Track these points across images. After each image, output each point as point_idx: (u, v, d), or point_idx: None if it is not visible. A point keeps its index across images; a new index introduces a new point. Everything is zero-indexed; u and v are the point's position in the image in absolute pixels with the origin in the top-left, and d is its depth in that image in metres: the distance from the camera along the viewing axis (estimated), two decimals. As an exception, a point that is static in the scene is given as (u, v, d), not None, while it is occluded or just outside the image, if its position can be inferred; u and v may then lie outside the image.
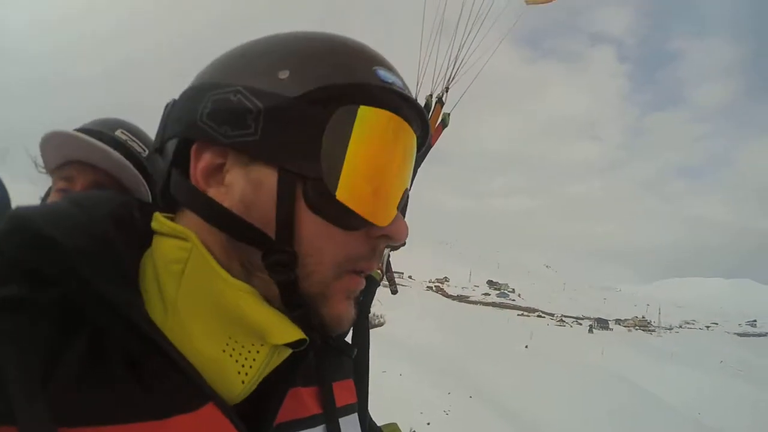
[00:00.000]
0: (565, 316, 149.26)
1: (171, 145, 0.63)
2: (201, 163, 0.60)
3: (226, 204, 0.60)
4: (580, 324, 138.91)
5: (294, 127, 0.58)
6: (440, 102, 1.65)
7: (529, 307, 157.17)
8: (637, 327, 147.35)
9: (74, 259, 0.53)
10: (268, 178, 0.58)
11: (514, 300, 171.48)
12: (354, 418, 0.79)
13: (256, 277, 0.60)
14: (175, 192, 0.64)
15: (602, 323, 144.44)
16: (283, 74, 0.59)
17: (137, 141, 1.39)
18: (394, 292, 1.36)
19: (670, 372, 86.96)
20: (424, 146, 0.72)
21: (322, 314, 0.62)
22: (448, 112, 1.62)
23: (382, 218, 0.62)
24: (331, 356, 0.77)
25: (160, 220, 0.64)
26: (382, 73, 0.63)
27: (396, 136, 0.63)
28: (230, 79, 0.61)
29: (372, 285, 1.10)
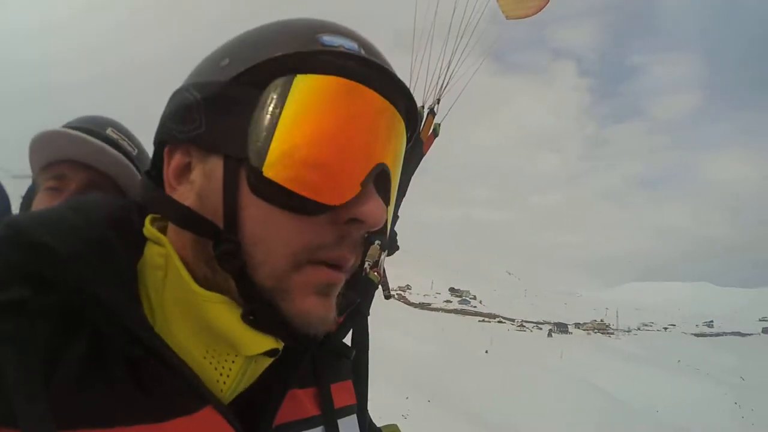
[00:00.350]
0: (526, 321, 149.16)
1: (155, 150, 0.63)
2: (172, 163, 0.60)
3: (189, 201, 0.59)
4: (540, 329, 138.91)
5: (229, 111, 0.56)
6: (432, 113, 1.60)
7: (490, 313, 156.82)
8: (596, 330, 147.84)
9: (68, 264, 0.52)
10: (217, 167, 0.57)
11: (475, 306, 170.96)
12: (353, 419, 0.77)
13: (218, 273, 0.58)
14: (143, 197, 0.63)
15: (562, 327, 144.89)
16: (224, 62, 0.59)
17: (127, 140, 1.37)
18: (387, 297, 1.33)
19: (628, 372, 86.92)
20: (416, 126, 0.66)
21: (284, 310, 0.57)
22: (439, 122, 1.71)
23: (332, 195, 0.56)
24: (329, 358, 0.76)
25: (146, 225, 0.63)
26: (328, 38, 0.59)
27: (348, 101, 0.57)
28: (188, 80, 0.62)
29: (370, 287, 1.10)
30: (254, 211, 0.55)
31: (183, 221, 0.59)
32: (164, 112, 0.62)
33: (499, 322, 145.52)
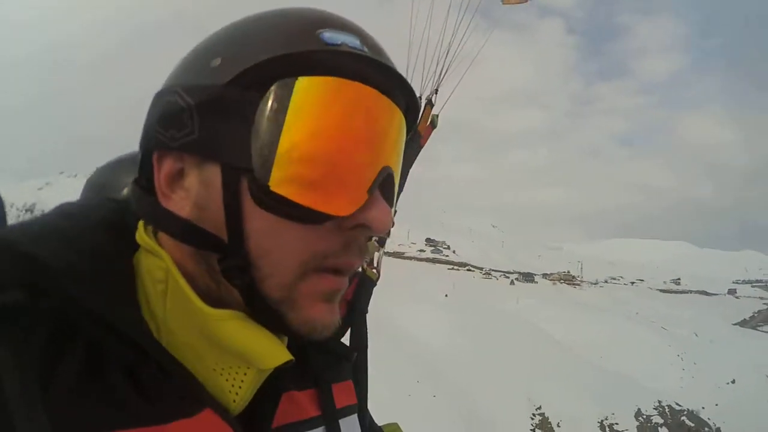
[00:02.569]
0: (493, 270, 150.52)
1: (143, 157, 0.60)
2: (163, 170, 0.57)
3: (186, 211, 0.56)
4: (507, 278, 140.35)
5: (227, 117, 0.53)
6: (430, 103, 1.61)
7: (461, 262, 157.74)
8: (562, 281, 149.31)
9: (60, 276, 0.51)
10: (215, 176, 0.54)
11: (447, 256, 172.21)
12: (354, 419, 0.77)
13: (223, 286, 0.57)
14: (138, 210, 0.60)
15: (527, 277, 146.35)
16: (215, 62, 0.55)
17: None
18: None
19: (581, 319, 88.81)
20: (415, 120, 0.65)
21: (290, 320, 0.57)
22: (437, 113, 1.62)
23: (339, 206, 0.54)
24: (330, 358, 0.75)
25: (140, 234, 0.60)
26: (329, 35, 0.55)
27: (353, 104, 0.55)
28: (172, 81, 0.58)
29: (368, 285, 1.09)
30: (259, 223, 0.53)
31: (184, 236, 0.56)
32: (149, 116, 0.58)
33: (468, 270, 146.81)
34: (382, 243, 1.31)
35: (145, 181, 0.61)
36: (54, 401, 0.46)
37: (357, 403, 0.79)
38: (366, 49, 0.57)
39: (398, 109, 0.59)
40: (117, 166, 1.27)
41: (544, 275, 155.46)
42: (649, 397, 62.22)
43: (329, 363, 0.74)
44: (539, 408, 57.75)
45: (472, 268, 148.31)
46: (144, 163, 0.60)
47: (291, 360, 0.57)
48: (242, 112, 0.53)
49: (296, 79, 0.53)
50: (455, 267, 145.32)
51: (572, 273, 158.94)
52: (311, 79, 0.53)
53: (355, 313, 0.87)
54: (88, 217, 0.60)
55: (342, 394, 0.75)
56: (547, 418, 56.75)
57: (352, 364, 0.81)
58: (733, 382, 78.22)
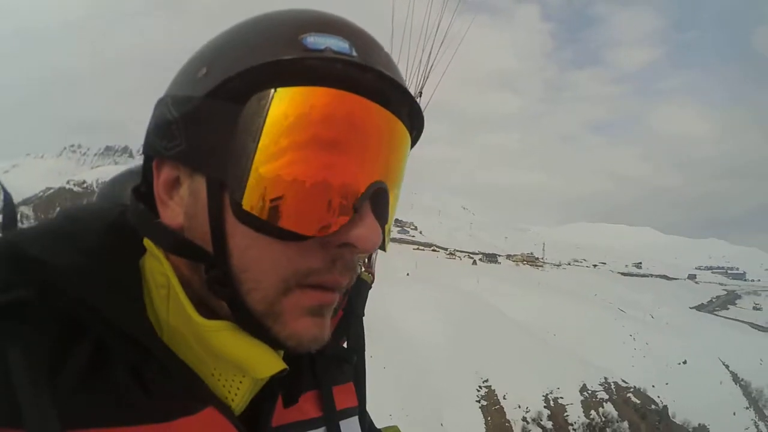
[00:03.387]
0: (458, 251, 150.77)
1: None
2: (161, 177, 0.57)
3: (179, 219, 0.56)
4: (471, 258, 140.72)
5: (209, 128, 0.52)
6: (420, 95, 1.63)
7: (427, 243, 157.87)
8: (525, 262, 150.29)
9: (65, 277, 0.52)
10: (202, 187, 0.53)
11: (413, 236, 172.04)
12: (354, 420, 0.78)
13: (213, 296, 0.56)
14: (134, 221, 0.60)
15: (491, 257, 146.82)
16: (201, 72, 0.54)
17: None
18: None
19: (538, 300, 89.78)
20: (421, 126, 0.62)
21: (276, 332, 0.55)
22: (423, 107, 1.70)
23: (310, 225, 0.51)
24: (330, 361, 0.76)
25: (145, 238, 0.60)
26: (312, 39, 0.52)
27: (336, 114, 0.51)
28: (167, 90, 0.58)
29: (363, 288, 1.08)
30: (240, 238, 0.52)
31: (175, 248, 0.56)
32: (149, 124, 0.58)
33: (433, 250, 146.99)
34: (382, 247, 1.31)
35: (145, 187, 0.61)
36: (61, 397, 0.47)
37: (357, 406, 0.81)
38: (355, 53, 0.52)
39: (394, 117, 0.55)
40: (127, 177, 1.29)
41: (508, 256, 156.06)
42: (597, 374, 62.48)
43: (330, 365, 0.76)
44: (486, 381, 58.14)
45: (437, 249, 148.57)
46: (145, 168, 0.61)
47: (285, 369, 0.57)
48: (222, 125, 0.51)
49: (274, 90, 0.50)
50: (420, 247, 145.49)
51: (533, 254, 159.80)
52: (289, 90, 0.50)
53: (351, 317, 0.87)
54: (96, 220, 0.61)
55: (342, 396, 0.77)
56: (494, 391, 57.27)
57: (353, 366, 0.83)
58: (685, 362, 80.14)
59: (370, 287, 1.14)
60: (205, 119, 0.52)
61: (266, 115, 0.49)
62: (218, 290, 0.54)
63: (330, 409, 0.73)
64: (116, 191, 1.24)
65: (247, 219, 0.51)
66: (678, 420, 60.67)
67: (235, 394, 0.58)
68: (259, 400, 0.61)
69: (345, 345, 0.85)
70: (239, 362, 0.56)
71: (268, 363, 0.56)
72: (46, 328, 0.50)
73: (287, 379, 0.60)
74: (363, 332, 0.88)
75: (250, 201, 0.50)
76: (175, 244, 0.56)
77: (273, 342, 0.56)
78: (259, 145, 0.49)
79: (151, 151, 0.57)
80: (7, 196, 0.64)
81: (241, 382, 0.58)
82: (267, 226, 0.50)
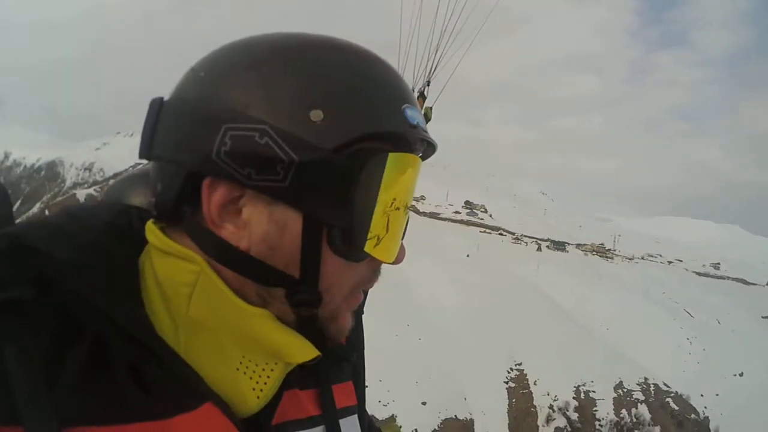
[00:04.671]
0: (525, 236, 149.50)
1: (171, 171, 0.60)
2: (215, 197, 0.58)
3: (244, 243, 0.59)
4: (538, 244, 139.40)
5: (326, 179, 0.57)
6: (422, 96, 1.64)
7: (494, 226, 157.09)
8: (594, 252, 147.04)
9: (64, 271, 0.53)
10: (293, 221, 0.58)
11: (482, 219, 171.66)
12: (354, 419, 0.80)
13: (273, 306, 0.61)
14: (187, 229, 0.62)
15: (558, 245, 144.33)
16: (316, 116, 0.57)
17: None
18: None
19: (598, 292, 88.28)
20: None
21: (329, 330, 0.65)
22: (431, 106, 1.65)
23: (394, 256, 0.66)
24: (330, 360, 0.77)
25: (160, 238, 0.62)
26: (410, 113, 0.62)
27: (415, 175, 0.65)
28: (251, 112, 0.57)
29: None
30: (332, 266, 0.60)
31: (236, 265, 0.59)
32: (213, 144, 0.56)
33: (500, 234, 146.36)
34: None
35: (175, 199, 0.60)
36: (59, 396, 0.48)
37: (357, 404, 0.83)
38: (422, 124, 0.65)
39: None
40: (129, 183, 1.30)
41: (578, 245, 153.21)
42: (637, 373, 60.91)
43: (330, 364, 0.77)
44: (519, 364, 58.85)
45: (505, 233, 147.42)
46: (185, 182, 0.59)
47: (319, 355, 0.63)
48: (343, 179, 0.57)
49: (388, 154, 0.60)
50: (487, 230, 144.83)
51: (604, 245, 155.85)
52: (398, 156, 0.61)
53: (354, 317, 0.89)
54: (93, 218, 0.62)
55: (342, 394, 0.79)
56: (525, 375, 57.97)
57: (352, 365, 0.85)
58: (741, 374, 76.52)
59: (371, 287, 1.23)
60: (325, 170, 0.57)
61: (383, 174, 0.59)
62: (305, 309, 0.62)
63: (330, 408, 0.75)
64: (118, 198, 1.27)
65: (345, 253, 0.60)
66: (720, 435, 59.20)
67: (264, 384, 0.61)
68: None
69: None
70: (278, 347, 0.61)
71: (304, 349, 0.62)
72: (44, 325, 0.50)
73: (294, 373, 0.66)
74: (362, 331, 0.91)
75: (369, 245, 0.60)
76: (250, 267, 0.59)
77: (318, 335, 0.64)
78: (378, 200, 0.59)
79: (211, 170, 0.57)
80: (3, 192, 0.67)
81: (272, 369, 0.62)
82: (362, 256, 0.61)
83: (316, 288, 0.61)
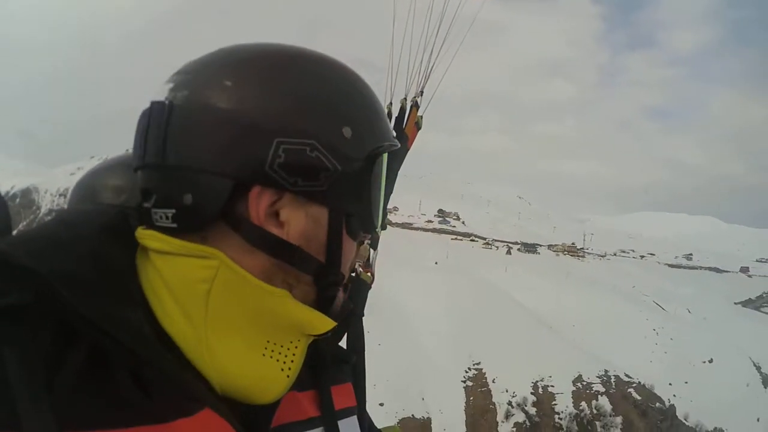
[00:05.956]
0: (496, 240, 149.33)
1: (208, 181, 0.62)
2: (262, 203, 0.64)
3: (284, 239, 0.66)
4: (508, 247, 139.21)
5: (353, 181, 0.69)
6: (415, 105, 1.70)
7: (466, 233, 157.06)
8: (565, 252, 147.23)
9: (55, 285, 0.54)
10: (323, 215, 0.68)
11: (454, 226, 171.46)
12: (353, 420, 0.82)
13: (298, 289, 0.68)
14: (240, 230, 0.65)
15: (530, 247, 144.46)
16: (347, 132, 0.68)
17: None
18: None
19: (565, 291, 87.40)
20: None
21: (337, 304, 0.72)
22: (421, 114, 1.73)
23: (380, 227, 0.77)
24: (329, 361, 0.81)
25: (170, 242, 0.63)
26: (388, 126, 0.77)
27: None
28: (298, 125, 0.64)
29: (363, 288, 1.20)
30: (348, 247, 0.71)
31: (283, 255, 0.66)
32: (266, 156, 0.62)
33: (472, 240, 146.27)
34: (374, 245, 1.48)
35: (211, 207, 0.63)
36: (59, 400, 0.49)
37: (356, 405, 0.84)
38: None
39: None
40: (106, 168, 1.30)
41: (549, 246, 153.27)
42: (597, 366, 59.90)
43: (328, 366, 0.80)
44: (477, 364, 58.12)
45: (476, 238, 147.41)
46: (235, 191, 0.63)
47: (335, 325, 0.69)
48: (364, 179, 0.70)
49: (383, 155, 0.73)
50: (458, 237, 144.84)
51: (575, 244, 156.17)
52: (386, 154, 0.74)
53: (351, 317, 0.91)
54: (88, 224, 0.63)
55: (341, 396, 0.80)
56: (484, 373, 57.31)
57: (351, 366, 0.87)
58: (711, 361, 75.58)
59: (370, 287, 1.20)
60: (354, 174, 0.69)
61: (382, 171, 0.73)
62: (331, 290, 0.71)
63: (328, 409, 0.76)
64: (95, 182, 1.25)
65: (355, 235, 0.73)
66: (691, 421, 57.54)
67: (291, 361, 0.66)
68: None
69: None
70: (303, 322, 0.66)
71: (323, 321, 0.68)
72: (43, 329, 0.52)
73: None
74: (362, 332, 0.93)
75: (381, 227, 0.74)
76: (293, 256, 0.66)
77: (329, 311, 0.70)
78: (381, 190, 0.74)
79: (263, 180, 0.63)
80: (2, 202, 0.67)
81: (296, 346, 0.67)
82: (370, 234, 0.76)
83: (339, 268, 0.70)
